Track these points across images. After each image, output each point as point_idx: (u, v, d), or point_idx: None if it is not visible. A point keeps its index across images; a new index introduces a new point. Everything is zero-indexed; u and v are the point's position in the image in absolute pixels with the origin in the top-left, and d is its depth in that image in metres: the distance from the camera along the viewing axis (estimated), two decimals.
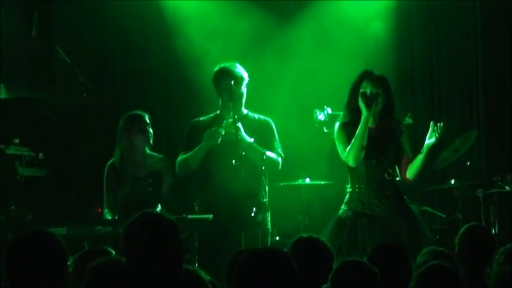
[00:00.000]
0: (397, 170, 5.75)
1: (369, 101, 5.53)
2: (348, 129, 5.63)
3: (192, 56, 8.42)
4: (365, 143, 5.53)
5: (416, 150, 5.74)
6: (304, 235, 4.13)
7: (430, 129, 5.63)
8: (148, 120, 6.49)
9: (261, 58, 8.15)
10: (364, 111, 5.54)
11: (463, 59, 8.73)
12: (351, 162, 5.58)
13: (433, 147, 5.65)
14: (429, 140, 5.61)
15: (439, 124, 5.60)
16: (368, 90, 5.58)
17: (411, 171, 5.69)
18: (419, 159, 5.64)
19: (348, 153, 5.57)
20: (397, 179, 5.85)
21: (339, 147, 5.66)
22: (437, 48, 8.77)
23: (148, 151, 6.53)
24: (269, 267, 2.92)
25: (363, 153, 5.54)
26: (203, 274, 3.49)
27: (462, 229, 4.81)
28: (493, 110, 8.54)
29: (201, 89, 8.09)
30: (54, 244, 3.25)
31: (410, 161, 5.71)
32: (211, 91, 6.44)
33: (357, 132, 5.53)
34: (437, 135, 5.57)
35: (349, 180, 5.71)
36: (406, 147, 5.74)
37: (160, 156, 6.59)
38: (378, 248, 4.17)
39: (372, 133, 5.63)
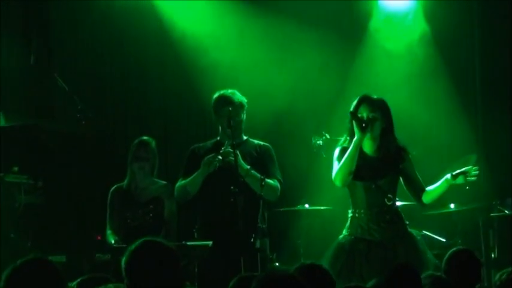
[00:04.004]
0: (411, 193, 5.74)
1: (362, 124, 5.52)
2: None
3: (192, 83, 8.45)
4: (354, 165, 5.52)
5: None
6: (306, 262, 4.12)
7: (463, 171, 5.56)
8: (149, 149, 6.49)
9: (261, 83, 8.17)
10: (357, 134, 5.52)
11: (461, 82, 8.75)
12: (338, 183, 5.60)
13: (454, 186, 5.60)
14: (456, 180, 5.55)
15: (474, 169, 5.56)
16: (365, 115, 5.57)
17: (429, 198, 5.66)
18: (441, 189, 5.61)
19: (336, 174, 5.58)
20: (398, 204, 5.84)
21: (333, 169, 5.66)
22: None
23: (153, 178, 6.55)
24: None
25: (351, 176, 5.54)
26: None
27: (446, 255, 4.83)
28: (492, 134, 8.55)
29: (201, 116, 8.10)
30: (53, 272, 3.24)
31: (422, 186, 5.69)
32: (211, 117, 6.44)
33: (346, 154, 5.54)
34: (468, 179, 5.54)
35: (351, 205, 5.70)
36: (413, 173, 5.72)
37: (163, 183, 6.62)
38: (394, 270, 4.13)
39: (372, 157, 5.64)
